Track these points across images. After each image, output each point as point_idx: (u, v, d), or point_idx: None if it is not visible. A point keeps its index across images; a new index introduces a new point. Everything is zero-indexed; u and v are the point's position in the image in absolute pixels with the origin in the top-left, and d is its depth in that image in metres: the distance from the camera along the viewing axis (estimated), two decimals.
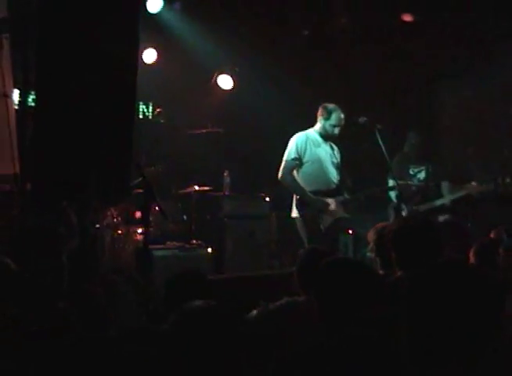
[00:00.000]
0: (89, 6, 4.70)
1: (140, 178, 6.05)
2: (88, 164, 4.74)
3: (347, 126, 7.98)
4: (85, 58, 4.72)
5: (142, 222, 6.42)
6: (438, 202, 8.55)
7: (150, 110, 9.61)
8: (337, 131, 7.91)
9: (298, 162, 7.82)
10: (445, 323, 2.23)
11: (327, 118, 7.89)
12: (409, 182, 8.57)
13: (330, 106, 7.92)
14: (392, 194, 8.62)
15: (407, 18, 9.78)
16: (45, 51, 4.66)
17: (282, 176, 7.84)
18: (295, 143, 7.87)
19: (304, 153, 7.83)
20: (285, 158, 7.87)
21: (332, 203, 7.86)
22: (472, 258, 4.88)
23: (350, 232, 8.81)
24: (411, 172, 8.79)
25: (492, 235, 5.31)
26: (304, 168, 7.84)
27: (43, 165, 4.70)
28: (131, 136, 4.98)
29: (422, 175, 8.79)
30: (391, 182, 8.70)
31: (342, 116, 7.89)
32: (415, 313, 2.29)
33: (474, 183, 8.43)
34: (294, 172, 7.82)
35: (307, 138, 7.91)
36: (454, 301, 2.24)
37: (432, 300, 2.26)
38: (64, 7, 4.64)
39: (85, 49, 4.70)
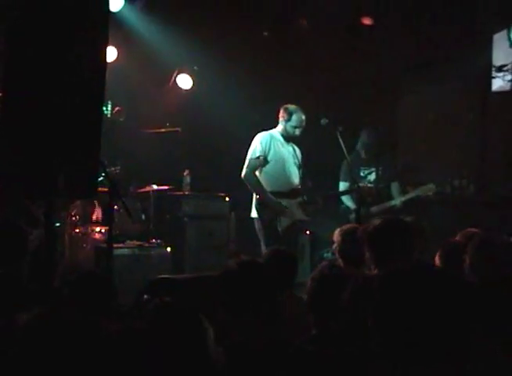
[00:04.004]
0: (60, 4, 4.69)
1: (103, 177, 6.06)
2: (55, 161, 4.72)
3: (309, 127, 8.02)
4: (54, 54, 4.70)
5: (105, 220, 6.41)
6: (391, 203, 8.65)
7: (109, 108, 9.55)
8: (298, 132, 7.93)
9: (262, 161, 7.82)
10: (416, 322, 2.26)
11: (288, 119, 7.90)
12: (370, 185, 8.64)
13: (291, 107, 7.94)
14: (345, 198, 8.70)
15: (367, 21, 9.85)
16: (14, 46, 4.63)
17: (245, 175, 7.81)
18: (260, 142, 7.86)
19: (269, 152, 7.83)
20: (249, 157, 7.84)
21: (291, 205, 7.89)
22: (438, 261, 4.96)
23: (307, 233, 8.87)
24: (361, 174, 8.83)
25: (457, 238, 5.37)
26: (267, 167, 7.84)
27: (10, 162, 4.66)
28: (99, 134, 4.97)
29: (372, 177, 8.85)
30: (342, 186, 8.79)
31: (303, 117, 7.90)
32: (388, 312, 2.32)
33: (430, 185, 8.54)
34: (257, 172, 7.85)
35: (271, 137, 7.91)
36: (425, 300, 2.27)
37: (405, 299, 2.29)
38: (34, 4, 4.63)
39: (55, 46, 4.68)
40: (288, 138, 7.98)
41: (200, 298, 4.13)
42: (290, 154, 7.98)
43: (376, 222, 4.67)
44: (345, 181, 8.70)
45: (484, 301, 2.86)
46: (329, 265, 3.88)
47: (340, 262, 5.24)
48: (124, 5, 9.27)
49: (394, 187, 8.83)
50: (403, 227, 4.64)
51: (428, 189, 8.51)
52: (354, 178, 8.17)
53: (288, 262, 4.99)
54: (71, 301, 3.77)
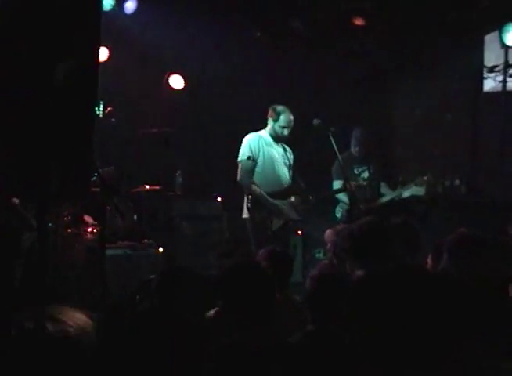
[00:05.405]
0: (51, 3, 4.67)
1: (95, 177, 6.04)
2: (47, 162, 4.70)
3: (301, 128, 8.04)
4: (46, 54, 4.68)
5: (97, 220, 6.40)
6: (385, 198, 8.68)
7: (101, 108, 9.53)
8: (286, 132, 7.93)
9: (253, 162, 7.82)
10: (398, 325, 2.24)
11: (276, 120, 7.91)
12: (361, 182, 8.68)
13: (279, 107, 7.95)
14: (342, 196, 8.71)
15: (358, 22, 9.86)
16: (5, 45, 4.61)
17: (241, 178, 7.81)
18: (248, 143, 7.87)
19: (258, 153, 7.84)
20: (239, 159, 7.85)
21: (283, 205, 7.89)
22: (430, 262, 4.97)
23: (299, 233, 8.89)
24: (355, 172, 8.88)
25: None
26: (257, 168, 7.84)
27: (2, 163, 4.64)
28: (92, 134, 4.95)
29: (366, 175, 8.89)
30: (336, 185, 8.81)
31: (291, 117, 7.91)
32: (370, 315, 2.30)
33: (425, 177, 8.56)
34: (250, 174, 7.84)
35: (259, 138, 7.92)
36: (411, 302, 2.24)
37: (387, 301, 2.27)
38: (25, 3, 4.61)
39: (47, 46, 4.67)
40: (277, 138, 7.99)
41: (202, 297, 4.14)
42: (279, 155, 7.99)
43: (369, 222, 4.70)
44: (338, 179, 8.71)
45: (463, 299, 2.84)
46: (328, 265, 3.95)
47: (335, 261, 5.26)
48: (116, 4, 9.26)
49: (383, 186, 8.88)
50: (380, 229, 4.69)
51: (424, 181, 8.53)
52: (345, 177, 8.19)
53: (283, 262, 5.00)
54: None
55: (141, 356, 2.80)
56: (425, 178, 8.54)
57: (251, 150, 7.82)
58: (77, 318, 2.50)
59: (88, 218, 8.06)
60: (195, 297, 3.79)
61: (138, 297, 5.21)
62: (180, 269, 4.26)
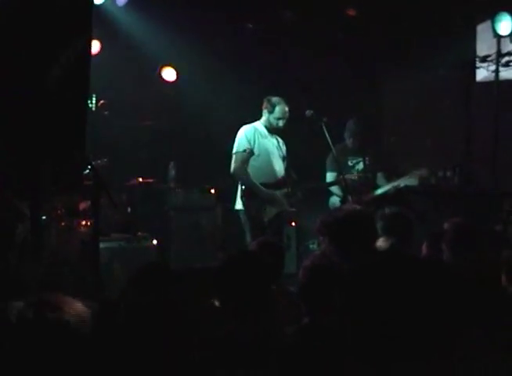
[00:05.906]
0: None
1: (88, 170, 6.03)
2: (40, 156, 4.70)
3: (293, 119, 8.03)
4: (38, 47, 4.68)
5: (91, 213, 6.39)
6: (380, 191, 8.68)
7: (94, 101, 9.51)
8: (281, 123, 7.93)
9: (249, 154, 7.80)
10: (397, 316, 2.20)
11: (271, 111, 7.90)
12: (352, 177, 8.66)
13: (274, 99, 7.94)
14: (334, 188, 8.72)
15: (351, 12, 9.86)
16: None
17: (234, 170, 7.81)
18: (244, 135, 7.85)
19: (254, 144, 7.83)
20: (235, 151, 7.83)
21: (278, 195, 7.90)
22: (425, 251, 4.98)
23: (293, 224, 8.89)
24: (349, 164, 8.86)
25: (444, 228, 5.37)
26: (252, 160, 7.82)
27: None
28: (84, 127, 4.96)
29: (360, 167, 8.88)
30: (329, 176, 8.81)
31: (286, 109, 7.91)
32: (363, 307, 2.27)
33: (422, 170, 8.56)
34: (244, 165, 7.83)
35: (255, 130, 7.91)
36: (405, 292, 2.20)
37: (382, 292, 2.23)
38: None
39: (39, 39, 4.67)
40: (272, 129, 7.98)
41: (195, 289, 4.14)
42: (274, 146, 7.99)
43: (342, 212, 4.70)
44: (332, 171, 8.71)
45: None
46: (321, 255, 3.92)
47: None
48: None
49: (380, 177, 8.86)
50: (363, 218, 4.68)
51: (421, 174, 8.54)
52: (339, 169, 8.19)
53: (275, 253, 5.00)
54: None
55: (135, 348, 2.80)
56: (421, 171, 8.54)
57: (249, 142, 7.80)
58: (75, 306, 2.50)
59: (83, 205, 8.05)
60: (176, 293, 3.77)
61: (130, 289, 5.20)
62: (156, 266, 4.23)
